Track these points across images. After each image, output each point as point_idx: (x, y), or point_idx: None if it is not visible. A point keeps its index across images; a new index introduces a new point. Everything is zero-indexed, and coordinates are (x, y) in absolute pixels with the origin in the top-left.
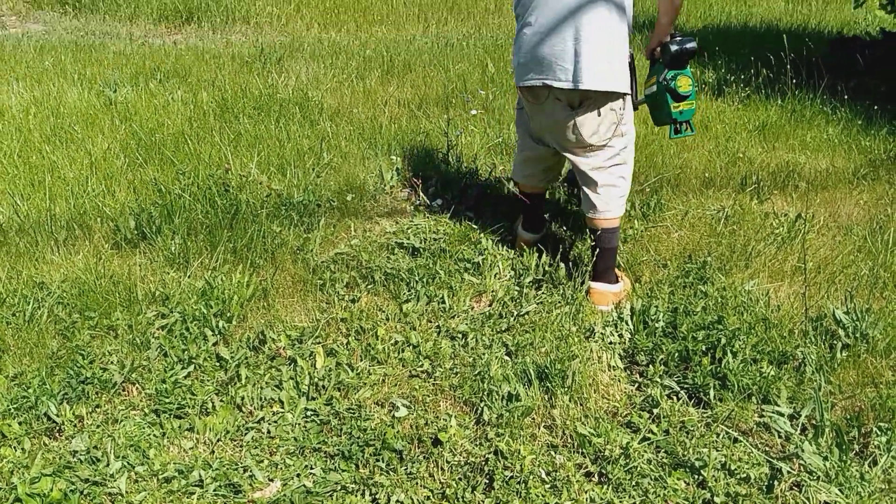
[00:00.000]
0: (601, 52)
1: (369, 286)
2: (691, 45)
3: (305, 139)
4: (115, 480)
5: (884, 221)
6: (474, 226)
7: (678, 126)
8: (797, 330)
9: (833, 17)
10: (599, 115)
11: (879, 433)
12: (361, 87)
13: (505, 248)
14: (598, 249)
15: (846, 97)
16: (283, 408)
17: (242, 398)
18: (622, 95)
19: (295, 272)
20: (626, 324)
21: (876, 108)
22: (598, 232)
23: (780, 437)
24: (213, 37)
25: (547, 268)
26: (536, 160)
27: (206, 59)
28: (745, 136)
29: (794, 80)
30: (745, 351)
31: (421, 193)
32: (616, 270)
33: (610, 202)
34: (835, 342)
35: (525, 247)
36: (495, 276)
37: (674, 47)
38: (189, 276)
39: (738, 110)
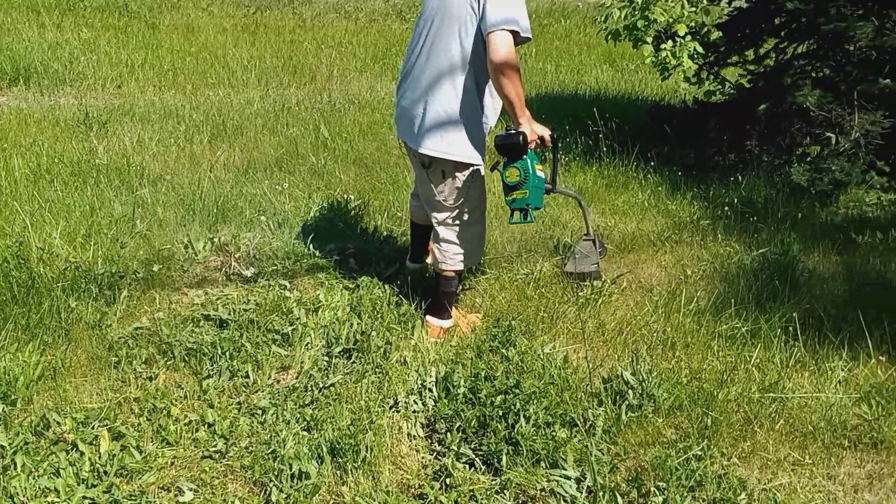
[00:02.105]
0: (440, 123)
1: (169, 362)
2: (512, 138)
3: (120, 206)
4: None
5: (681, 282)
6: (288, 294)
7: (512, 213)
8: (590, 391)
9: (657, 85)
10: (444, 178)
11: (657, 493)
12: (188, 151)
13: (318, 316)
14: (436, 290)
15: (654, 164)
16: (59, 497)
17: (16, 488)
18: (468, 165)
19: (90, 349)
20: (430, 391)
21: (681, 174)
22: (437, 276)
23: (565, 501)
24: (40, 99)
25: (359, 336)
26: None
27: (28, 123)
28: (561, 202)
29: (611, 148)
30: (539, 414)
31: (234, 262)
32: (455, 309)
33: (446, 257)
34: (623, 403)
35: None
36: (306, 346)
37: (497, 141)
38: None
39: (558, 176)
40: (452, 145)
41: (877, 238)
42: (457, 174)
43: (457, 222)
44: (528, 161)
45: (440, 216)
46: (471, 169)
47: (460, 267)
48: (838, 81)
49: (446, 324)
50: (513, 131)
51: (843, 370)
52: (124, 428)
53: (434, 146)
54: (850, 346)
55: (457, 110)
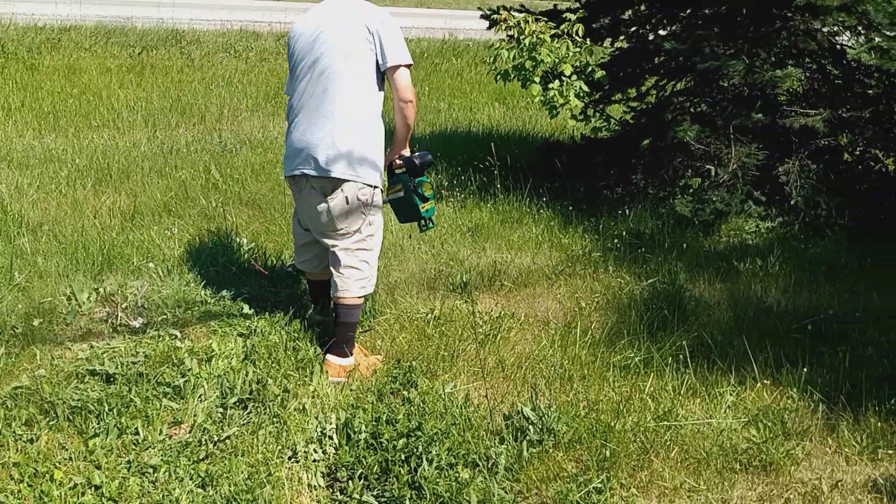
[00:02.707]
0: (349, 148)
1: (51, 422)
2: (429, 158)
3: None
4: None
5: (576, 314)
6: (179, 344)
7: (425, 222)
8: (492, 429)
9: (547, 123)
10: (347, 203)
11: None
12: (70, 198)
13: (211, 366)
14: (336, 324)
15: (546, 199)
16: None
17: None
18: (371, 186)
19: None
20: (331, 438)
21: (571, 208)
22: (338, 307)
23: None
24: None
25: (255, 385)
26: (308, 247)
27: None
28: (458, 238)
29: (504, 184)
30: (442, 456)
31: (120, 312)
32: (357, 347)
33: (349, 283)
34: (524, 439)
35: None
36: (199, 398)
37: (417, 161)
38: None
39: (454, 213)
40: (359, 169)
41: (757, 265)
42: (361, 197)
43: (359, 245)
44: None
45: (341, 243)
46: (375, 190)
47: (363, 292)
48: (715, 116)
49: (348, 362)
50: (424, 152)
51: (731, 395)
52: (3, 496)
53: (343, 170)
54: (737, 371)
55: (360, 137)
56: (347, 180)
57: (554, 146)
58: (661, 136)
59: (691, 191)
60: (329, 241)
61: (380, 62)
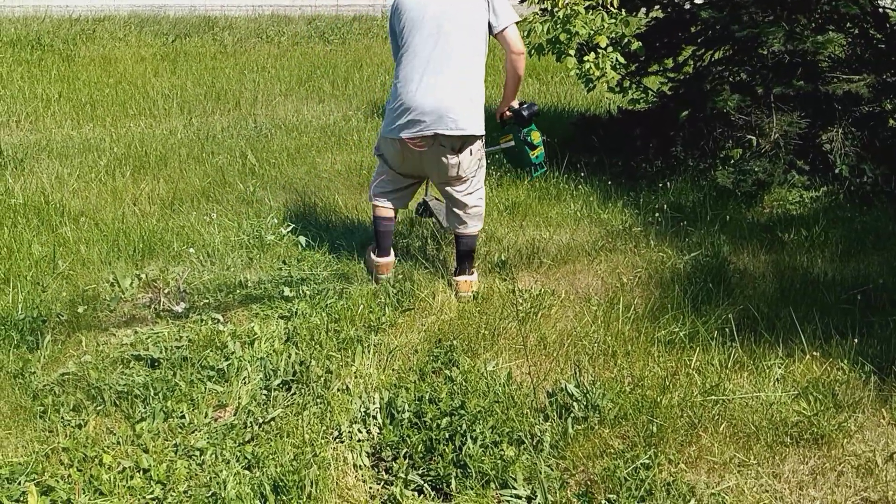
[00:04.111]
0: (476, 106)
1: (99, 407)
2: (536, 108)
3: (40, 247)
4: None
5: (617, 290)
6: (221, 328)
7: (535, 167)
8: (536, 407)
9: (582, 97)
10: (471, 154)
11: None
12: (110, 186)
13: (254, 349)
14: (463, 252)
15: (583, 174)
16: None
17: None
18: (481, 137)
19: (13, 399)
20: (374, 418)
21: (610, 183)
22: (465, 239)
23: None
24: None
25: (297, 367)
26: (402, 191)
27: None
28: (495, 217)
29: None
30: (486, 434)
31: (163, 298)
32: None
33: (475, 220)
34: (569, 416)
35: (384, 273)
36: (243, 381)
37: (525, 112)
38: None
39: (490, 192)
40: (480, 123)
41: (802, 235)
42: (481, 148)
43: (477, 187)
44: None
45: (466, 188)
46: (483, 139)
47: (482, 224)
48: (755, 85)
49: (474, 278)
50: (531, 103)
51: (780, 368)
52: (53, 481)
53: (476, 128)
54: (784, 344)
55: (481, 95)
56: (477, 136)
57: (590, 121)
58: (701, 107)
59: (732, 162)
60: (452, 189)
61: (493, 24)
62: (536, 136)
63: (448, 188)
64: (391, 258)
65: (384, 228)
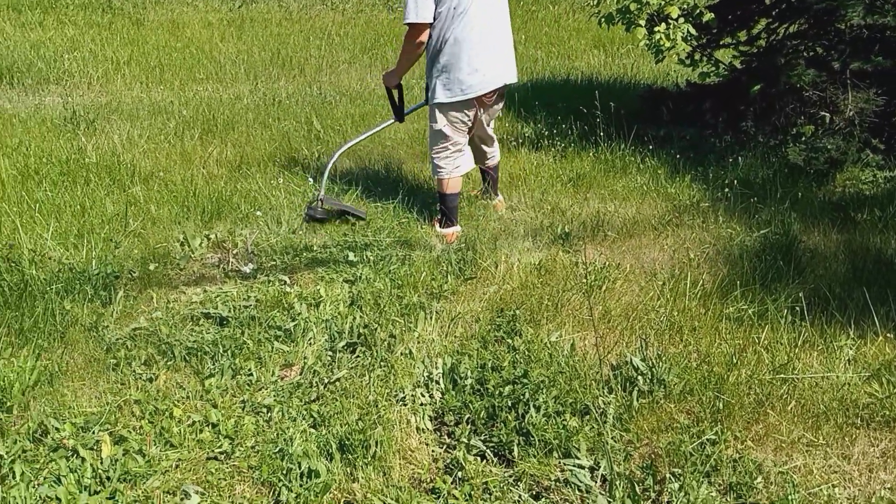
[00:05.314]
0: (512, 61)
1: (169, 362)
2: None
3: (112, 205)
4: None
5: (684, 265)
6: (288, 290)
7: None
8: (600, 379)
9: (649, 69)
10: (503, 98)
11: (673, 479)
12: (179, 148)
13: (320, 311)
14: (494, 179)
15: (651, 147)
16: None
17: (15, 498)
18: None
19: (87, 352)
20: (437, 383)
21: (679, 156)
22: (495, 167)
23: (579, 490)
24: (25, 99)
25: (362, 330)
26: (463, 151)
27: (13, 123)
28: (559, 189)
29: (607, 132)
30: (549, 404)
31: (231, 258)
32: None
33: (497, 150)
34: (634, 389)
35: (453, 242)
36: (308, 341)
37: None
38: None
39: (554, 163)
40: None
41: (875, 215)
42: None
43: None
44: None
45: (492, 127)
46: None
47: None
48: (831, 60)
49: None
50: None
51: (851, 349)
52: (126, 431)
53: (516, 77)
54: (856, 325)
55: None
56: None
57: (658, 93)
58: (773, 82)
59: (804, 138)
60: (487, 129)
61: None
62: None
63: (486, 129)
64: (459, 228)
65: (456, 203)
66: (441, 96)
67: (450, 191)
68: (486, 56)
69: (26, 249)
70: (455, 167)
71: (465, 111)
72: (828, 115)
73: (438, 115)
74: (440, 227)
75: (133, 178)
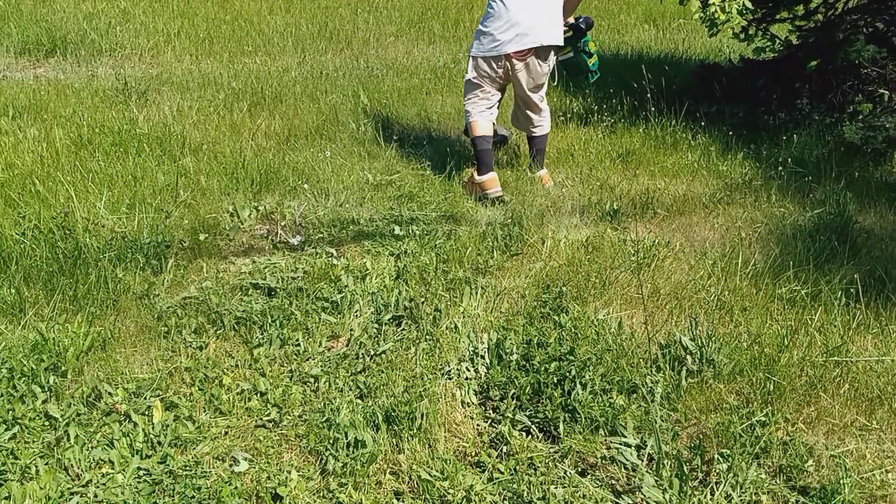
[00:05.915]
0: (559, 22)
1: (218, 331)
2: (591, 20)
3: (163, 176)
4: None
5: (736, 244)
6: (335, 262)
7: (591, 74)
8: (647, 357)
9: (700, 44)
10: (549, 62)
11: (721, 460)
12: (228, 120)
13: (366, 284)
14: (538, 150)
15: (702, 124)
16: (113, 468)
17: (69, 460)
18: (559, 48)
19: (139, 319)
20: (482, 358)
21: (731, 133)
22: (540, 138)
23: (625, 469)
24: (77, 70)
25: (407, 303)
26: (490, 104)
27: (67, 94)
28: (608, 165)
29: (657, 108)
30: (595, 381)
31: (280, 230)
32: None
33: (547, 120)
34: (682, 369)
35: (491, 189)
36: (355, 313)
37: (583, 24)
38: (23, 328)
39: (603, 139)
40: (562, 35)
41: None
42: (554, 56)
43: (545, 92)
44: None
45: (540, 93)
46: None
47: (549, 125)
48: (892, 36)
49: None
50: (586, 17)
51: None
52: (176, 398)
53: (560, 38)
54: None
55: (559, 13)
56: (559, 46)
57: (710, 69)
58: (831, 58)
59: (862, 117)
60: (532, 95)
61: None
62: (592, 46)
63: (529, 94)
64: (494, 174)
65: (485, 146)
66: (473, 49)
67: (476, 133)
68: (520, 16)
69: (80, 218)
70: (476, 113)
71: (494, 66)
72: (887, 92)
73: (470, 66)
74: (477, 175)
75: (183, 150)
